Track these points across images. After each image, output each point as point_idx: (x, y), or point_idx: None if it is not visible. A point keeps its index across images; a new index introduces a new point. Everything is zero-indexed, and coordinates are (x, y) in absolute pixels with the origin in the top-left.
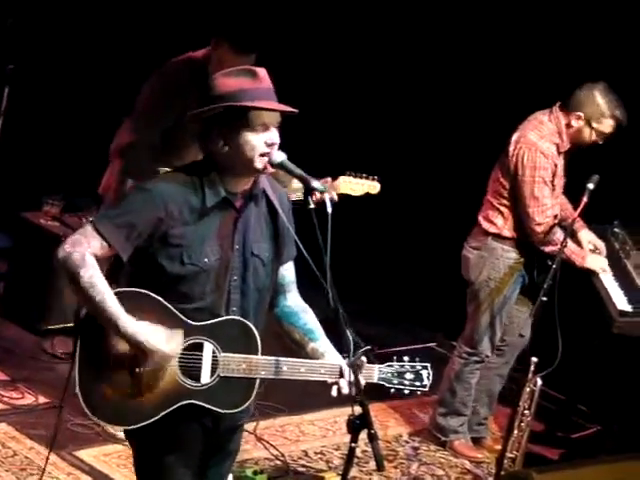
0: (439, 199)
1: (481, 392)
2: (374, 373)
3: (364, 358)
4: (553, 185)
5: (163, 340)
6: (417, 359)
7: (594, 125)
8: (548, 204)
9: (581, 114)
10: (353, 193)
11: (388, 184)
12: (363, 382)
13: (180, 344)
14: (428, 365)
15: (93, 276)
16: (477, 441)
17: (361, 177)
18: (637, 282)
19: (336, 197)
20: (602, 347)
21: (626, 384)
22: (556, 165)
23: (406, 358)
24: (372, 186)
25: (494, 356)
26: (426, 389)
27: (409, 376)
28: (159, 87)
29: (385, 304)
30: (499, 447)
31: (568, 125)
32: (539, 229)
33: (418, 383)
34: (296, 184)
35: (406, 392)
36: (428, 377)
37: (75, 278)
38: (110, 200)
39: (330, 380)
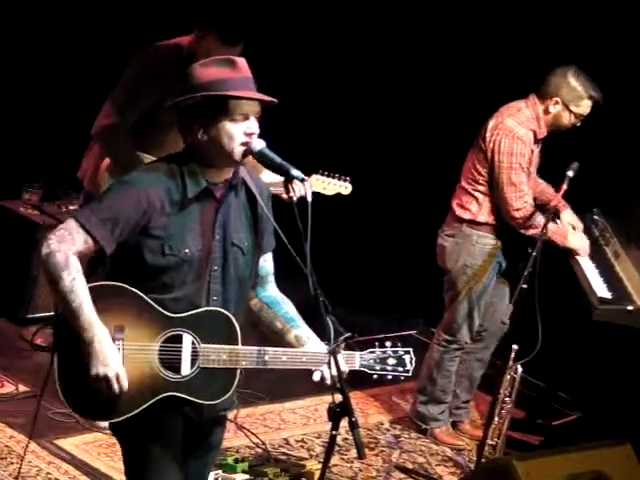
0: (417, 184)
1: (461, 377)
2: (355, 360)
3: (341, 346)
4: (529, 172)
5: (122, 367)
6: (399, 344)
7: (572, 108)
8: (525, 190)
9: (558, 99)
10: (325, 192)
11: (366, 174)
12: (345, 369)
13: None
14: (410, 350)
15: (74, 279)
16: (455, 425)
17: (333, 177)
18: (617, 269)
19: (308, 194)
20: (582, 334)
21: (606, 371)
22: (532, 152)
23: (388, 344)
24: (344, 187)
25: (473, 342)
26: (409, 374)
27: (391, 361)
28: (142, 70)
29: (365, 292)
30: (478, 432)
31: (546, 111)
32: (518, 214)
33: (401, 368)
34: (266, 177)
35: (389, 377)
36: (411, 362)
37: (56, 279)
38: (88, 183)
39: (314, 368)
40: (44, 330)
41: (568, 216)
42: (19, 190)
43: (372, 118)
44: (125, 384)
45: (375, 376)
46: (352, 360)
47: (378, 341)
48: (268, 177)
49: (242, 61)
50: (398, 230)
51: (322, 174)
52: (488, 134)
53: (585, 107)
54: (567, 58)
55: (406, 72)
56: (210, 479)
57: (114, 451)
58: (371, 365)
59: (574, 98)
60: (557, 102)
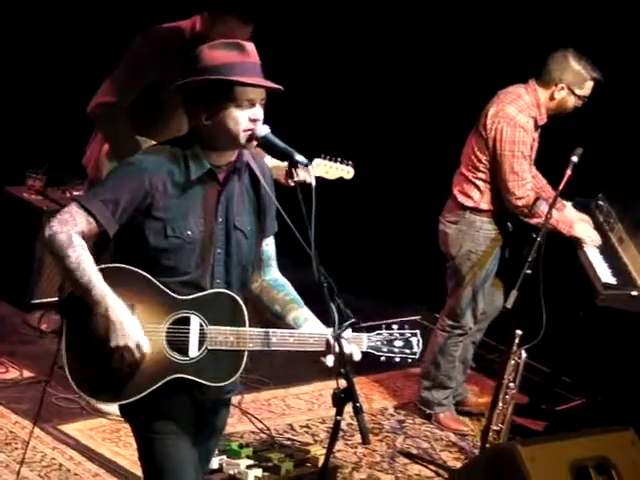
0: (418, 171)
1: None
2: (363, 342)
3: (348, 331)
4: (530, 159)
5: (142, 334)
6: (406, 327)
7: (577, 92)
8: (527, 178)
9: (563, 85)
10: (327, 176)
11: (368, 161)
12: (357, 353)
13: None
14: (417, 332)
15: (80, 256)
16: (459, 404)
17: (336, 161)
18: (621, 255)
19: (310, 180)
20: (586, 320)
21: (610, 356)
22: (533, 139)
23: (395, 326)
24: (346, 171)
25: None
26: (416, 356)
27: (398, 344)
28: (145, 52)
29: (367, 277)
30: (484, 400)
31: (551, 98)
32: (520, 203)
33: (408, 350)
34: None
35: (397, 360)
36: (418, 344)
37: (62, 258)
38: (92, 171)
39: (321, 350)
40: (49, 316)
41: (569, 214)
42: (23, 176)
43: (374, 103)
44: (147, 349)
45: (382, 358)
46: (360, 342)
47: (384, 325)
48: (268, 162)
49: (251, 46)
50: (400, 215)
51: (324, 158)
52: (489, 122)
53: (588, 89)
54: (566, 40)
55: (407, 58)
56: (214, 464)
57: (118, 437)
58: (378, 347)
59: (578, 81)
60: (562, 88)
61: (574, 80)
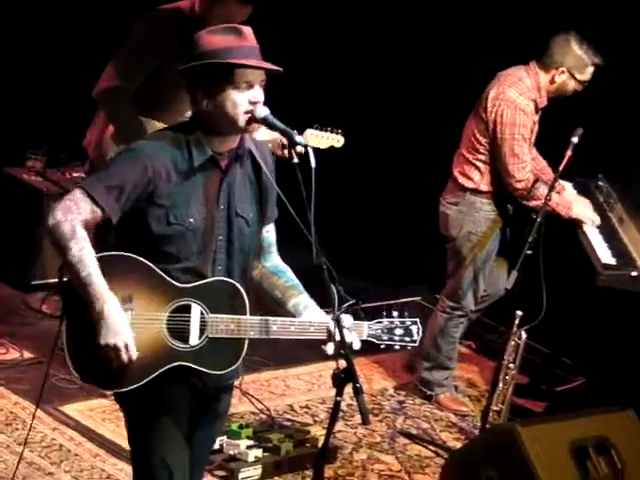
0: (418, 151)
1: None
2: (363, 330)
3: (349, 316)
4: (530, 142)
5: (131, 336)
6: (406, 314)
7: (577, 76)
8: (527, 161)
9: (564, 68)
10: (319, 146)
11: (367, 142)
12: (357, 342)
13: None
14: (417, 320)
15: (82, 249)
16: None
17: (326, 130)
18: (621, 235)
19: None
20: (586, 300)
21: (610, 337)
22: (534, 122)
23: (395, 314)
24: (336, 139)
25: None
26: (416, 344)
27: (399, 332)
28: (147, 35)
29: (369, 258)
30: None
31: (552, 81)
32: (520, 185)
33: (408, 338)
34: (260, 135)
35: (396, 348)
36: (418, 332)
37: (64, 249)
38: (93, 153)
39: (322, 338)
40: (49, 297)
41: (569, 195)
42: (23, 157)
43: (374, 84)
44: (134, 353)
45: (382, 346)
46: (360, 330)
47: (384, 309)
48: (263, 135)
49: (248, 30)
50: (399, 196)
51: (316, 128)
52: (489, 104)
53: (589, 74)
54: (567, 22)
55: (409, 37)
56: (215, 445)
57: (118, 417)
58: (379, 335)
59: (580, 66)
60: (563, 71)
61: (575, 64)
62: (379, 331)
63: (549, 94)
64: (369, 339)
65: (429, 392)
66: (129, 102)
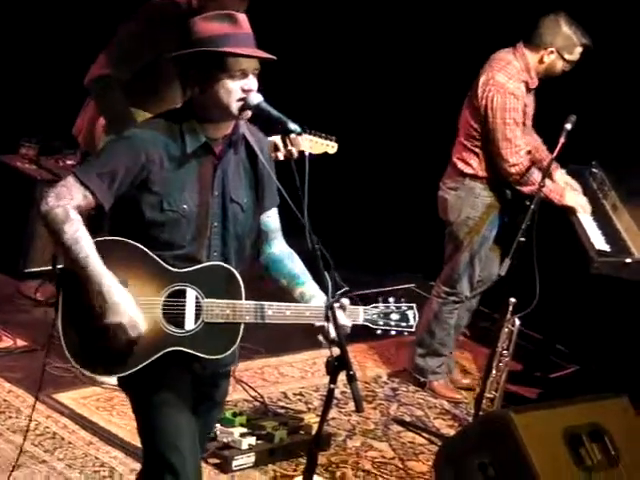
0: (414, 140)
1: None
2: (359, 315)
3: (346, 300)
4: (524, 125)
5: (137, 311)
6: (402, 300)
7: (566, 56)
8: (521, 145)
9: (552, 48)
10: (311, 151)
11: (363, 132)
12: (347, 323)
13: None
14: (414, 305)
15: (78, 231)
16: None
17: (320, 136)
18: (615, 222)
19: (296, 153)
20: (580, 287)
21: (604, 324)
22: (526, 105)
23: (391, 299)
24: (330, 146)
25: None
26: (412, 329)
27: (395, 317)
28: (141, 25)
29: (364, 246)
30: (467, 381)
31: (540, 61)
32: (514, 170)
33: (404, 324)
34: None
35: (392, 333)
36: (414, 317)
37: (58, 233)
38: (83, 141)
39: (317, 323)
40: (43, 284)
41: (562, 176)
42: (17, 144)
43: (369, 70)
44: (142, 329)
45: (379, 331)
46: (356, 315)
47: (379, 295)
48: None
49: (243, 17)
50: (397, 185)
51: (309, 133)
52: (480, 90)
53: (577, 54)
54: (557, 4)
55: (402, 25)
56: None
57: (112, 405)
58: (374, 320)
59: (568, 46)
60: (552, 52)
61: (564, 45)
62: (375, 316)
63: (538, 75)
64: (365, 324)
65: (423, 379)
66: (120, 91)
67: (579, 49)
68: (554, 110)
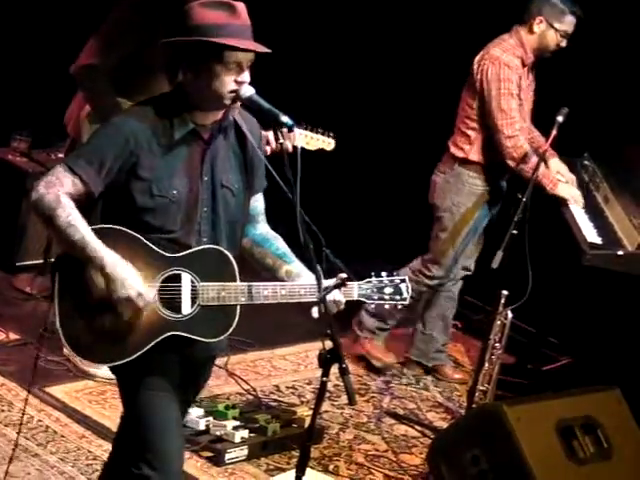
0: (407, 135)
1: (434, 318)
2: (354, 290)
3: (337, 291)
4: (520, 99)
5: (141, 283)
6: (395, 273)
7: (556, 25)
8: (516, 117)
9: (541, 17)
10: (307, 147)
11: (358, 128)
12: (342, 299)
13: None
14: (406, 278)
15: (71, 214)
16: (437, 369)
17: (317, 132)
18: (607, 214)
19: (290, 148)
20: (572, 279)
21: (596, 316)
22: (521, 77)
23: (384, 274)
24: (327, 142)
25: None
26: (406, 302)
27: (388, 290)
28: (129, 14)
29: (355, 240)
30: (458, 376)
31: (530, 31)
32: (510, 143)
33: (398, 297)
34: None
35: (386, 307)
36: (407, 290)
37: (52, 218)
38: (73, 130)
39: (312, 300)
40: (36, 278)
41: (557, 165)
42: (8, 137)
43: (365, 59)
44: (149, 298)
45: (373, 305)
46: (350, 290)
47: (373, 272)
48: None
49: (242, 6)
50: (388, 180)
51: (306, 128)
52: (475, 66)
53: (569, 24)
54: None
55: (400, 15)
56: (201, 426)
57: (104, 399)
58: (369, 294)
59: (557, 14)
60: (541, 21)
61: (552, 12)
62: (369, 290)
63: (534, 51)
64: (359, 299)
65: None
66: (105, 80)
67: (570, 18)
68: (546, 102)
